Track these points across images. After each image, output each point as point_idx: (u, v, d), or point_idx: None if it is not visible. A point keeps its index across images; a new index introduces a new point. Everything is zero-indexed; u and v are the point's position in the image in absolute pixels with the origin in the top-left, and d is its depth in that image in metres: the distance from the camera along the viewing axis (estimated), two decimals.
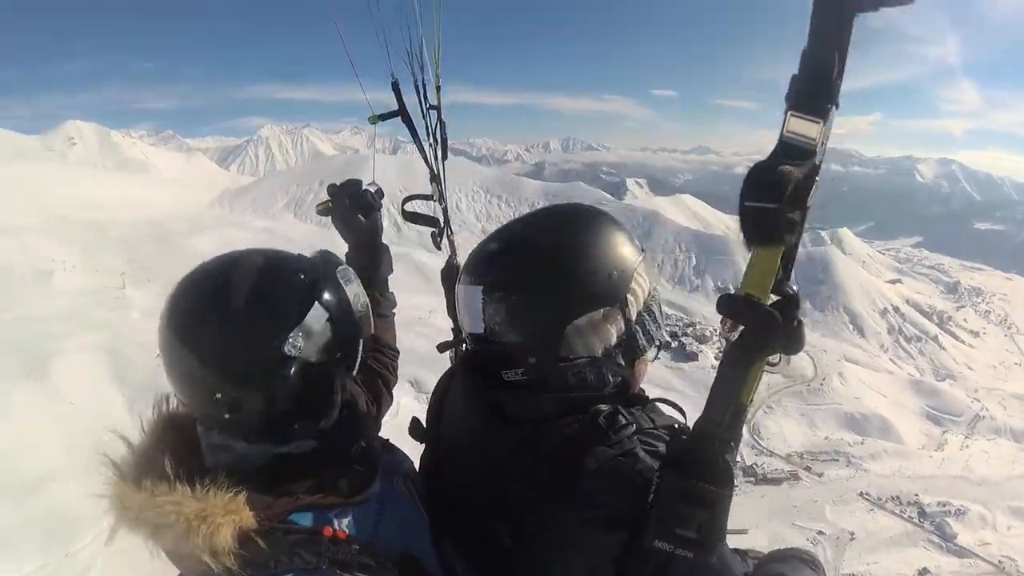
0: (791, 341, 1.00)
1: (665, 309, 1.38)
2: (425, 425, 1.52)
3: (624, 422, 1.14)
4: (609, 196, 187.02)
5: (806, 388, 75.70)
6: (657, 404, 1.28)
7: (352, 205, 1.88)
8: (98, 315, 61.40)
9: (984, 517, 52.06)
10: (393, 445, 1.43)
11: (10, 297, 61.31)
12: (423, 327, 65.71)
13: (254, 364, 1.05)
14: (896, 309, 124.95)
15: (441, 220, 2.36)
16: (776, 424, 66.37)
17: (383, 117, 2.50)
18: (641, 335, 1.26)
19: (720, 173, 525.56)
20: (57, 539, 27.22)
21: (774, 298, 1.00)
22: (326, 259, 1.25)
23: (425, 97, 2.51)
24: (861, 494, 54.25)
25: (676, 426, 1.20)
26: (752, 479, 55.93)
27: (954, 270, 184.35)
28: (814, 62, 0.93)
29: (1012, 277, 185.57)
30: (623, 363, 1.24)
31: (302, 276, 1.13)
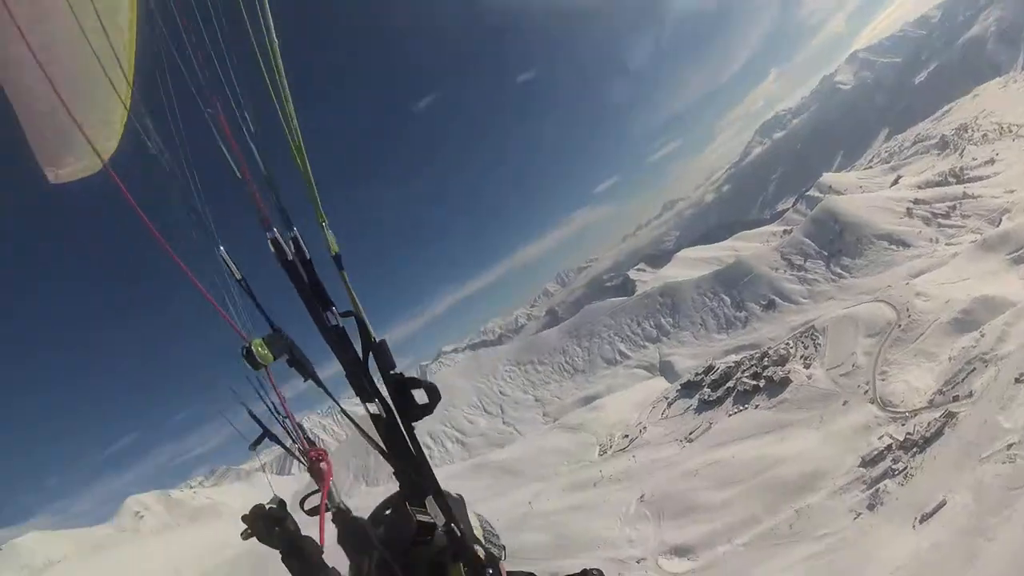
0: None
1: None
2: None
3: None
4: (622, 299, 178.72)
5: (899, 330, 65.88)
6: None
7: (264, 524, 2.22)
8: None
9: None
10: None
11: None
12: (533, 518, 61.34)
13: None
14: (916, 201, 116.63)
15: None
16: (898, 382, 58.65)
17: (256, 443, 2.77)
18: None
19: (697, 213, 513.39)
20: None
21: None
22: None
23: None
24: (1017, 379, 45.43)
25: None
26: (916, 449, 48.41)
27: (930, 128, 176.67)
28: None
29: (977, 93, 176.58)
30: None
31: None
